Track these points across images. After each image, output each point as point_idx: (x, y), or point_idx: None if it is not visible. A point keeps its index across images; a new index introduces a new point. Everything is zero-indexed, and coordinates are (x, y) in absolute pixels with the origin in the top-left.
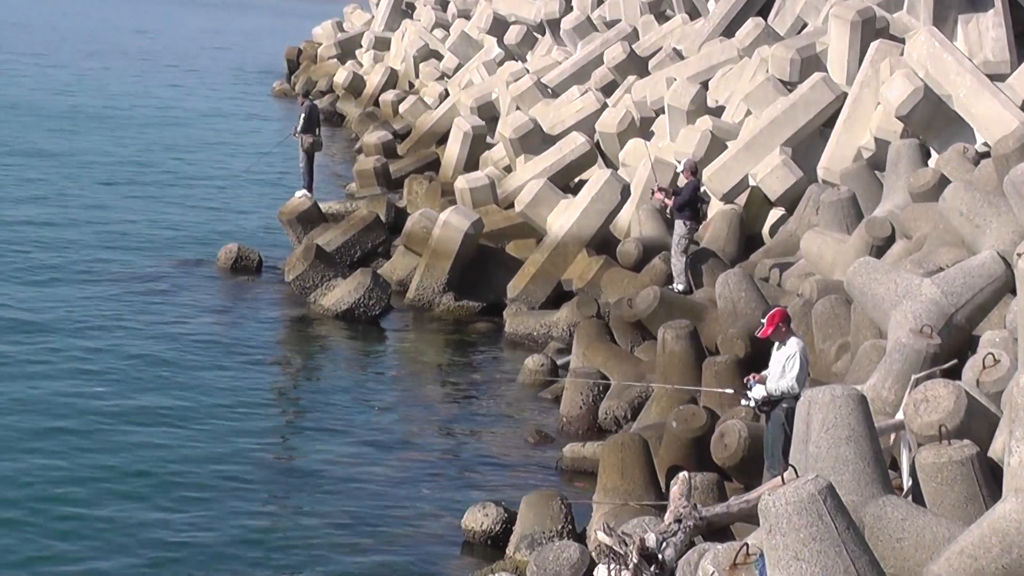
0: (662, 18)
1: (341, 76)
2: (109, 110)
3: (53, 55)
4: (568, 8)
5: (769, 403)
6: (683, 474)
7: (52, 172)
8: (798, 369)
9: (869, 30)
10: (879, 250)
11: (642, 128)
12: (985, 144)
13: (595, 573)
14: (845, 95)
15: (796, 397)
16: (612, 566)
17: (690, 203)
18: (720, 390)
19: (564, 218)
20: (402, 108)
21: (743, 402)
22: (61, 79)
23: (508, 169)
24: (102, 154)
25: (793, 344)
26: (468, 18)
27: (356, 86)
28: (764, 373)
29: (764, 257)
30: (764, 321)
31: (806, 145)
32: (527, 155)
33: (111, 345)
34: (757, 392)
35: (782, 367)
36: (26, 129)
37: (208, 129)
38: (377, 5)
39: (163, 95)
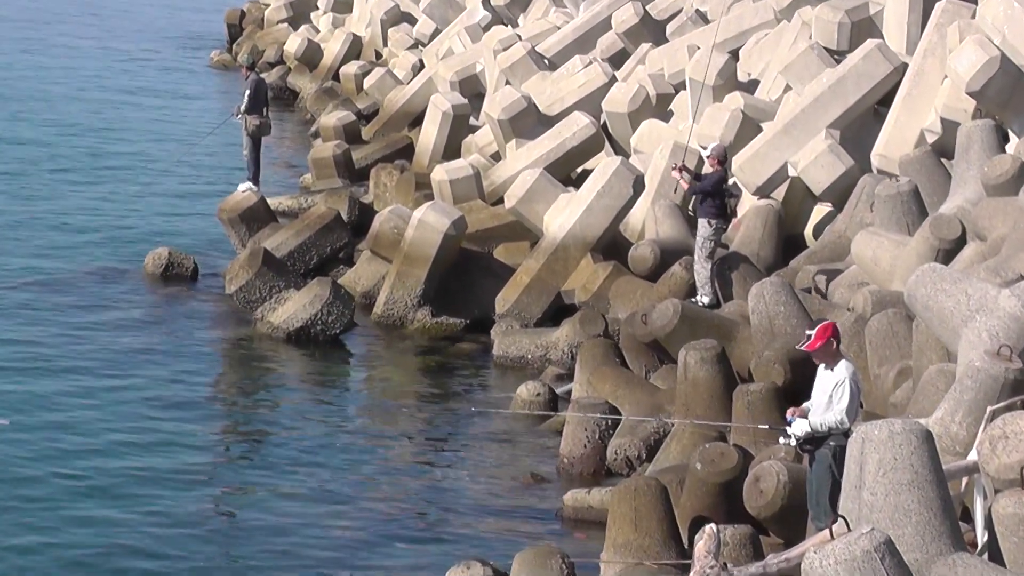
0: None
1: (293, 44)
2: (7, 86)
3: None
4: None
5: (813, 441)
6: (710, 527)
7: None
8: (848, 399)
9: None
10: (947, 254)
11: (658, 107)
12: None
13: None
14: (905, 67)
15: (846, 433)
16: None
17: (716, 197)
18: (754, 425)
19: (564, 216)
20: (367, 83)
21: (782, 440)
22: None
23: (496, 157)
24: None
25: (842, 369)
26: None
27: (311, 56)
28: (807, 405)
29: (807, 263)
30: (812, 333)
31: (857, 127)
32: (519, 140)
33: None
34: (799, 427)
35: (829, 397)
36: None
37: (131, 109)
38: None
39: (77, 67)
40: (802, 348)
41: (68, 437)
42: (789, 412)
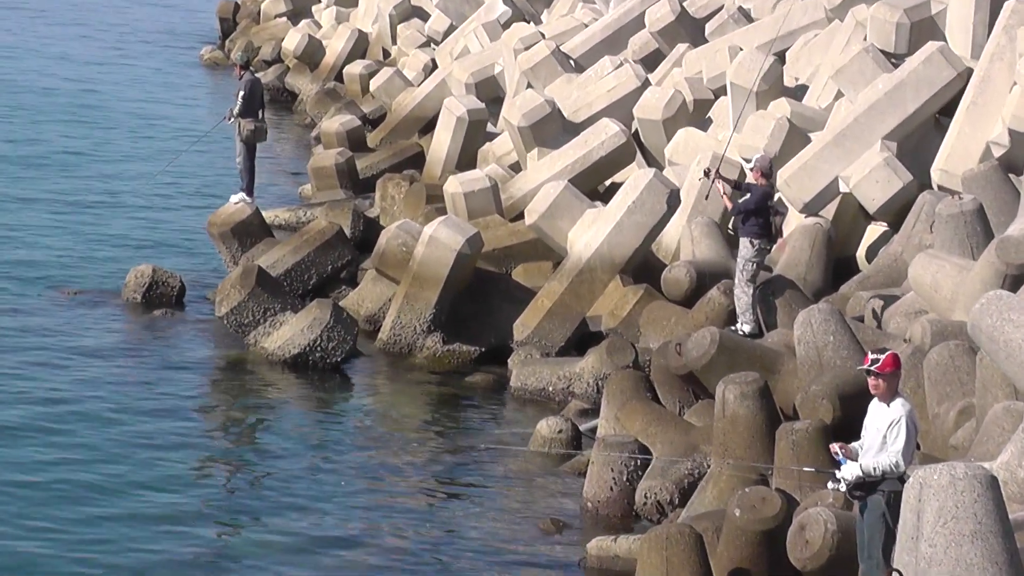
0: None
1: (292, 41)
2: None
3: None
4: None
5: (865, 486)
6: None
7: None
8: (904, 440)
9: None
10: (1015, 280)
11: (695, 114)
12: None
13: None
14: (969, 72)
15: (902, 478)
16: None
17: (760, 215)
18: (799, 467)
19: (591, 234)
20: (373, 84)
21: (830, 484)
22: None
23: (516, 167)
24: None
25: (899, 406)
26: None
27: (312, 54)
28: (857, 445)
29: (859, 288)
30: (880, 357)
31: (916, 139)
32: (541, 149)
33: None
34: (849, 471)
35: (883, 437)
36: None
37: (112, 111)
38: None
39: (52, 64)
40: (871, 369)
41: (39, 477)
42: (834, 448)
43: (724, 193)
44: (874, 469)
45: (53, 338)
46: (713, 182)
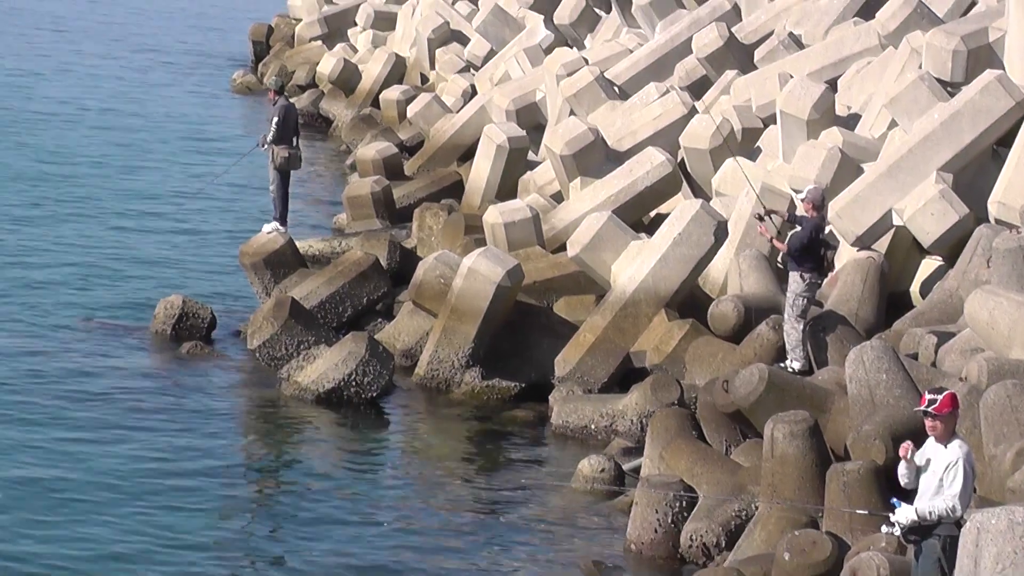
0: None
1: (327, 65)
2: (5, 108)
3: None
4: None
5: (920, 530)
6: None
7: None
8: (961, 483)
9: None
10: None
11: (744, 143)
12: None
13: None
14: None
15: (958, 523)
16: None
17: (811, 248)
18: (851, 510)
19: (635, 267)
20: (411, 110)
21: (883, 528)
22: None
23: (558, 197)
24: None
25: (955, 448)
26: None
27: (348, 79)
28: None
29: (913, 325)
30: (937, 398)
31: (973, 171)
32: (584, 178)
33: None
34: (903, 514)
35: (939, 480)
36: None
37: (142, 138)
38: None
39: (81, 88)
40: (928, 410)
41: (65, 517)
42: (903, 448)
43: (772, 237)
44: (930, 513)
45: (80, 370)
46: (762, 218)
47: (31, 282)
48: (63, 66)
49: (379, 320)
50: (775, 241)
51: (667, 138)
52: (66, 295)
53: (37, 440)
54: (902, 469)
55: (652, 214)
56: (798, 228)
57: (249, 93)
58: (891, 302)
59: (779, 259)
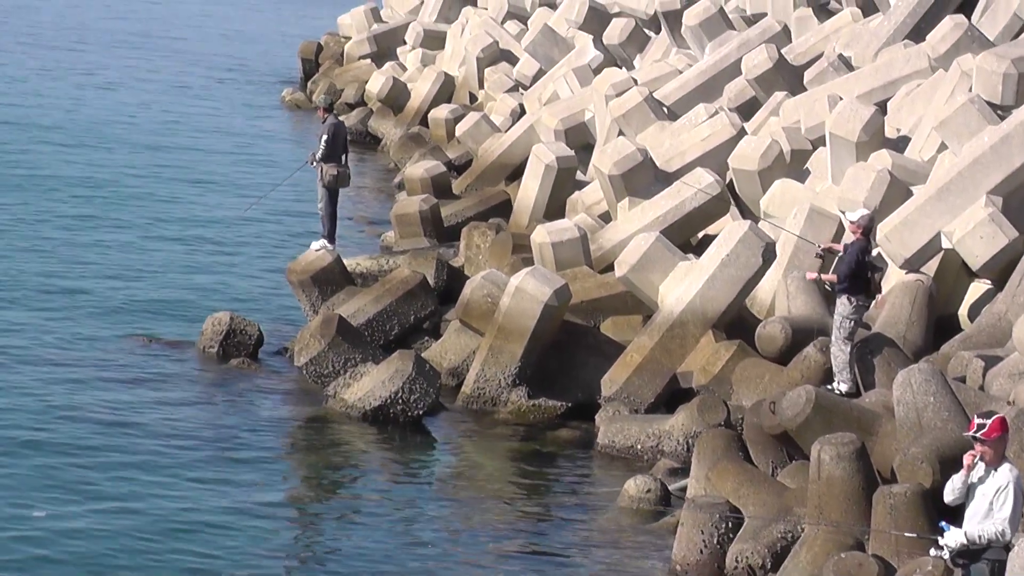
0: (824, 13)
1: (376, 83)
2: (54, 122)
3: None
4: None
5: (969, 554)
6: None
7: None
8: (1011, 507)
9: None
10: None
11: (793, 164)
12: None
13: None
14: None
15: (1007, 547)
16: None
17: (857, 271)
18: (898, 532)
19: (683, 288)
20: (459, 129)
21: (932, 551)
22: (4, 78)
23: (606, 217)
24: (39, 183)
25: (1005, 472)
26: (554, 7)
27: (397, 97)
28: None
29: (962, 348)
30: (986, 422)
31: (1023, 194)
32: (632, 198)
33: (36, 467)
34: (952, 537)
35: (989, 504)
36: None
37: (191, 154)
38: None
39: (131, 104)
40: (976, 436)
41: (110, 534)
42: (968, 456)
43: (821, 275)
44: (979, 536)
45: (126, 387)
46: (818, 254)
47: (78, 298)
48: (114, 81)
49: (426, 338)
50: (825, 276)
51: (716, 159)
52: (113, 311)
53: (83, 457)
54: (956, 482)
55: (700, 235)
56: (843, 253)
57: (298, 110)
58: (939, 325)
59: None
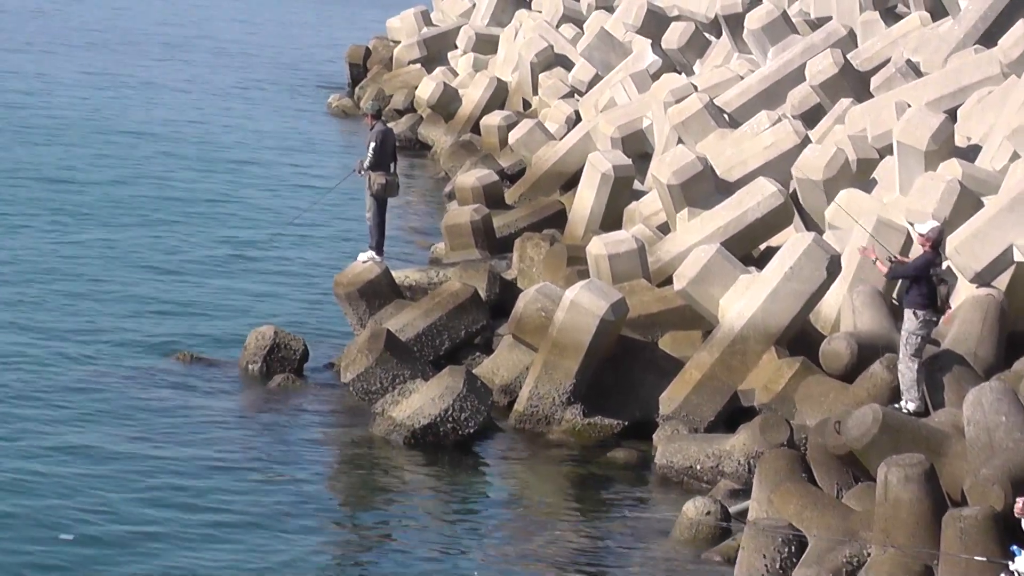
0: (891, 17)
1: (427, 89)
2: (99, 130)
3: (44, 48)
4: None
5: None
6: None
7: (13, 211)
8: None
9: None
10: None
11: (859, 174)
12: None
13: None
14: None
15: None
16: None
17: (925, 284)
18: (968, 556)
19: (744, 302)
20: (512, 137)
21: None
22: (50, 83)
23: (664, 228)
24: (76, 191)
25: None
26: (611, 10)
27: (447, 103)
28: None
29: None
30: None
31: None
32: (692, 209)
33: (66, 487)
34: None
35: None
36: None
37: (234, 162)
38: None
39: (171, 109)
40: None
41: (152, 554)
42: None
43: (879, 259)
44: None
45: (168, 404)
46: (870, 252)
47: (115, 312)
48: (154, 86)
49: (477, 354)
50: (879, 263)
51: (778, 168)
52: (152, 326)
53: (125, 477)
54: (1019, 555)
55: (762, 247)
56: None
57: (345, 117)
58: (1011, 341)
59: (894, 295)
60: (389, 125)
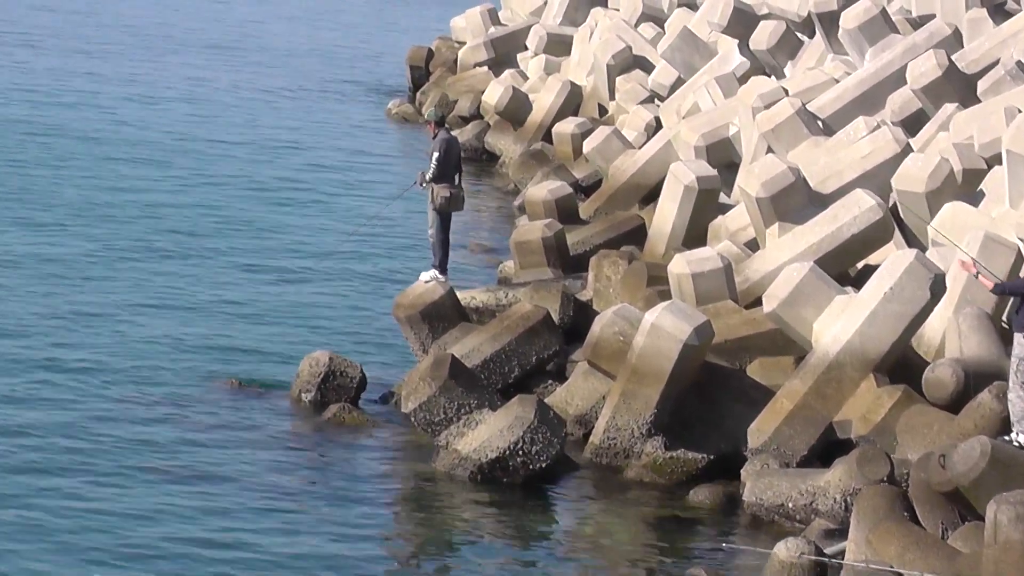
0: (1000, 14)
1: (494, 94)
2: (143, 135)
3: (87, 46)
4: None
5: None
6: None
7: (50, 227)
8: None
9: None
10: None
11: (965, 186)
12: None
13: None
14: None
15: None
16: None
17: None
18: None
19: (840, 325)
20: (587, 145)
21: None
22: (91, 85)
23: (753, 245)
24: (120, 205)
25: None
26: (694, 8)
27: (517, 110)
28: None
29: None
30: None
31: None
32: (783, 224)
33: (112, 525)
34: None
35: None
36: (35, 159)
37: (287, 174)
38: None
39: (221, 119)
40: None
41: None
42: None
43: (981, 273)
44: None
45: (215, 435)
46: (975, 265)
47: (158, 334)
48: (201, 91)
49: (550, 382)
50: (983, 277)
51: (877, 179)
52: (198, 350)
53: (168, 516)
54: None
55: (859, 265)
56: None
57: (406, 124)
58: None
59: (1003, 318)
60: (453, 133)
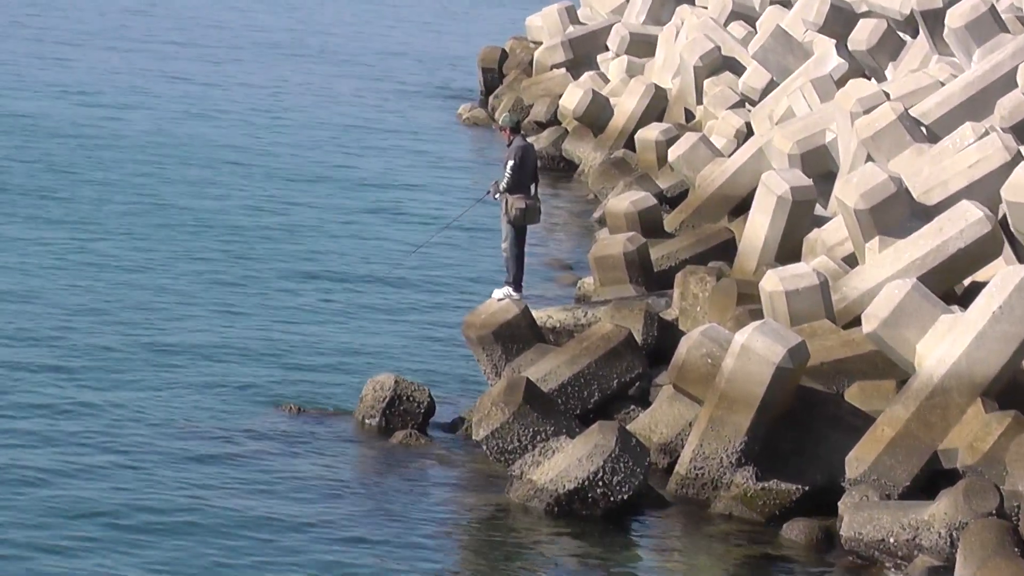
0: None
1: (573, 98)
2: (208, 139)
3: (150, 47)
4: None
5: None
6: None
7: (101, 242)
8: None
9: None
10: None
11: None
12: None
13: None
14: None
15: None
16: None
17: None
18: None
19: (945, 347)
20: (672, 153)
21: None
22: (136, 88)
23: (852, 260)
24: (171, 218)
25: None
26: (788, 6)
27: (597, 114)
28: None
29: None
30: None
31: None
32: (884, 237)
33: (163, 556)
34: None
35: None
36: (85, 170)
37: (350, 183)
38: None
39: (279, 123)
40: None
41: None
42: None
43: None
44: None
45: (273, 466)
46: None
47: (213, 356)
48: (257, 93)
49: (632, 407)
50: None
51: (986, 190)
52: (255, 373)
53: (218, 547)
54: None
55: (966, 282)
56: None
57: (477, 130)
58: None
59: None
60: (529, 140)
